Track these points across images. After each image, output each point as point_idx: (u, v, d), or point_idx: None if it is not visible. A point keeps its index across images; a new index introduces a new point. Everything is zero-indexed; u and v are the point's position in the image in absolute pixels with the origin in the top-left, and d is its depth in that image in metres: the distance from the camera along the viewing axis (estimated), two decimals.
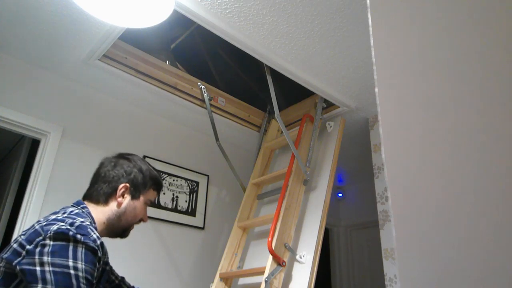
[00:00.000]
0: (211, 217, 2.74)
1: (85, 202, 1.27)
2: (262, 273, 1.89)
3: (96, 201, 1.27)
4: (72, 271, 0.98)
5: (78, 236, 1.02)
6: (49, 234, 1.00)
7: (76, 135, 2.29)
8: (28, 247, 0.99)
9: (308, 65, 2.08)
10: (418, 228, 0.47)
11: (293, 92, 2.71)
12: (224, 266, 2.18)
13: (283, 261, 1.87)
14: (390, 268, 2.25)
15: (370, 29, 0.55)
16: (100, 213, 1.25)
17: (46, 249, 0.98)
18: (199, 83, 2.51)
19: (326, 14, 1.76)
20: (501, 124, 0.43)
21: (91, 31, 1.91)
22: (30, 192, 2.04)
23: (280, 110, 2.26)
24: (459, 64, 0.48)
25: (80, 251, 1.01)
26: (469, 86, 0.47)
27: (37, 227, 1.05)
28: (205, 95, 2.48)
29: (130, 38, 2.21)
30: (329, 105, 2.54)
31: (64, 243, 1.00)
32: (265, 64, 2.16)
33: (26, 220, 1.98)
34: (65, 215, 1.11)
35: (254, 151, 2.84)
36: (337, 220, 4.07)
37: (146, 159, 2.52)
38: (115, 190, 1.28)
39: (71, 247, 1.00)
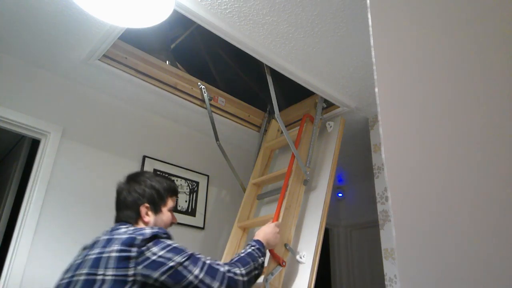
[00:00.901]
0: (211, 217, 2.74)
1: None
2: (262, 273, 1.89)
3: (129, 223, 1.43)
4: (176, 246, 1.27)
5: (165, 234, 1.30)
6: (145, 237, 1.24)
7: (76, 135, 2.29)
8: (133, 249, 1.21)
9: (308, 65, 2.08)
10: (418, 228, 0.47)
11: (293, 92, 2.71)
12: None
13: (283, 261, 1.87)
14: (390, 268, 2.25)
15: (370, 29, 0.55)
16: None
17: (150, 246, 1.23)
18: (199, 83, 2.51)
19: (326, 14, 1.76)
20: (501, 124, 0.43)
21: (91, 31, 1.91)
22: (30, 192, 2.05)
23: (280, 110, 2.26)
24: (459, 64, 0.48)
25: (170, 241, 1.30)
26: (469, 86, 0.47)
27: (126, 236, 1.24)
28: (205, 95, 2.48)
29: (130, 38, 2.21)
30: (329, 105, 2.54)
31: (156, 240, 1.26)
32: (265, 64, 2.16)
33: (26, 220, 1.98)
34: (131, 229, 1.31)
35: (254, 151, 2.84)
36: (337, 220, 4.07)
37: (146, 159, 2.53)
38: (138, 212, 1.44)
39: (165, 240, 1.28)
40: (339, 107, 2.46)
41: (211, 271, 1.27)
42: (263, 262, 1.52)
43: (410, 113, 0.51)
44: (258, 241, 1.63)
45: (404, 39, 0.54)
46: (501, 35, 0.46)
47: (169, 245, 1.26)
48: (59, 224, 2.09)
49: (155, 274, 1.18)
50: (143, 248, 1.21)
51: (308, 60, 2.04)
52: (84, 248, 1.35)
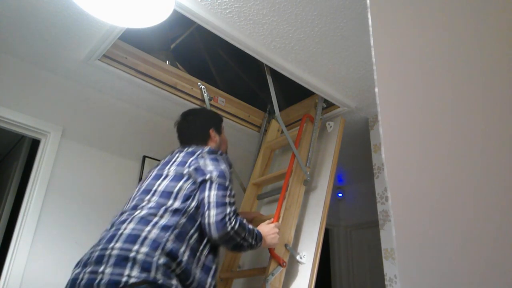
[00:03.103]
0: None
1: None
2: (262, 273, 1.89)
3: (198, 145, 1.75)
4: (223, 169, 1.55)
5: (223, 154, 1.65)
6: (205, 151, 1.60)
7: (76, 135, 2.29)
8: (191, 158, 1.57)
9: (308, 65, 2.08)
10: (418, 228, 0.47)
11: (293, 92, 2.71)
12: (224, 266, 2.18)
13: (283, 261, 1.87)
14: (390, 268, 2.25)
15: (370, 29, 0.55)
16: None
17: (206, 159, 1.56)
18: (199, 83, 2.51)
19: (326, 14, 1.75)
20: (501, 123, 0.43)
21: (91, 31, 1.91)
22: (30, 192, 2.05)
23: (280, 110, 2.26)
24: (459, 64, 0.48)
25: (225, 161, 1.60)
26: (469, 86, 0.47)
27: (190, 149, 1.64)
28: (205, 95, 2.48)
29: (130, 38, 2.21)
30: (329, 105, 2.54)
31: (215, 155, 1.60)
32: (265, 64, 2.15)
33: (26, 220, 1.98)
34: (197, 147, 1.70)
35: (254, 151, 2.84)
36: (337, 220, 4.07)
37: (146, 159, 2.53)
38: (208, 135, 1.83)
39: (220, 158, 1.60)
40: (339, 107, 2.46)
41: (221, 204, 1.46)
42: (251, 244, 1.57)
43: (410, 113, 0.51)
44: (259, 231, 1.67)
45: (404, 39, 0.54)
46: (501, 35, 0.46)
47: (219, 166, 1.55)
48: (59, 224, 2.09)
49: (197, 178, 1.51)
50: (200, 159, 1.56)
51: (308, 60, 2.04)
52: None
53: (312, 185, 2.33)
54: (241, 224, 1.49)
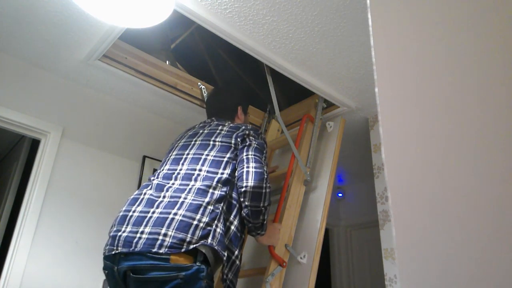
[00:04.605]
0: None
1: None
2: (262, 273, 1.89)
3: (225, 120, 1.89)
4: (262, 142, 1.70)
5: (262, 134, 1.78)
6: (249, 128, 1.73)
7: (76, 135, 2.29)
8: (236, 131, 1.69)
9: (308, 65, 2.08)
10: (418, 228, 0.47)
11: (293, 92, 2.71)
12: None
13: (283, 261, 1.87)
14: (390, 268, 2.25)
15: (370, 29, 0.55)
16: None
17: (251, 135, 1.69)
18: (199, 83, 2.51)
19: (326, 14, 1.75)
20: (500, 122, 0.43)
21: (91, 31, 1.91)
22: (30, 192, 2.05)
23: (280, 110, 2.26)
24: (459, 64, 0.48)
25: (264, 140, 1.74)
26: (468, 86, 0.47)
27: (233, 124, 1.77)
28: (205, 95, 2.48)
29: (130, 38, 2.21)
30: (329, 105, 2.54)
31: (257, 132, 1.74)
32: (265, 64, 2.15)
33: (26, 220, 1.98)
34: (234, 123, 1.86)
35: None
36: (337, 220, 4.07)
37: (146, 159, 2.53)
38: (236, 111, 1.98)
39: (260, 135, 1.74)
40: (339, 107, 2.46)
41: (259, 162, 1.60)
42: (263, 221, 1.62)
43: (410, 113, 0.51)
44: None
45: (404, 39, 0.54)
46: (500, 35, 0.46)
47: (260, 141, 1.70)
48: (59, 224, 2.09)
49: (239, 146, 1.65)
50: (248, 135, 1.68)
51: (308, 60, 2.04)
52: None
53: (312, 185, 2.33)
54: (270, 193, 1.58)
